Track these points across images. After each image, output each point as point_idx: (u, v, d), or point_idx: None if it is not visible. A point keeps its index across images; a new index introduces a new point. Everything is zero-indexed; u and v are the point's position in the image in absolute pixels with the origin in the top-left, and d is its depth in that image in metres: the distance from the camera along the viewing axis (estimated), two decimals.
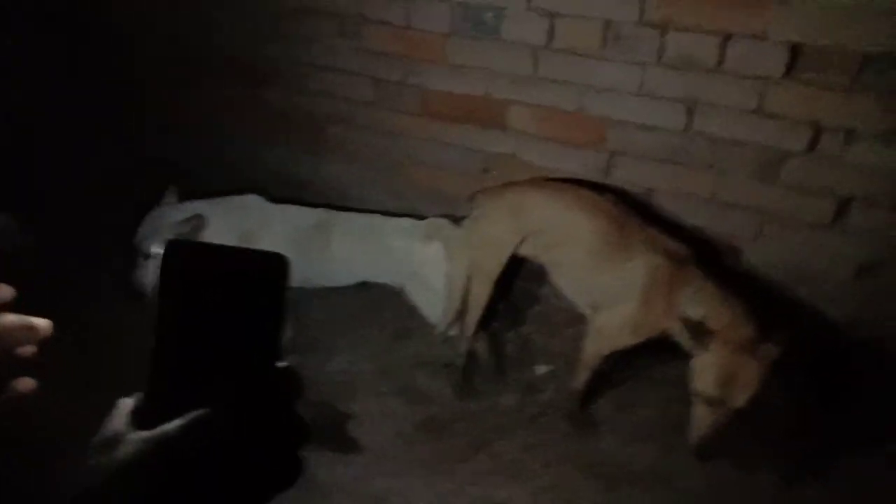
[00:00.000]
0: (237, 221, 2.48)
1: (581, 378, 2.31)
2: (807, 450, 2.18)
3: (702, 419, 1.90)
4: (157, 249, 2.42)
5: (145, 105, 3.20)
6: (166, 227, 2.41)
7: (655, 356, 2.42)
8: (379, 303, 2.83)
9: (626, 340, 2.15)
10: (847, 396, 2.26)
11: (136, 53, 3.07)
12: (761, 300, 2.06)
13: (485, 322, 2.44)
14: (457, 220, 2.48)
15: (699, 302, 1.95)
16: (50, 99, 3.11)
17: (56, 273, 2.81)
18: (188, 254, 0.56)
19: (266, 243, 2.49)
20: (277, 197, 2.65)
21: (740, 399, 1.82)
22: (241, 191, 2.62)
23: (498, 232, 2.28)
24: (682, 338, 1.96)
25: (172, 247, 0.55)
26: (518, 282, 2.63)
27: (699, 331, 1.85)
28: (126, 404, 0.55)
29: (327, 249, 2.48)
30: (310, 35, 2.65)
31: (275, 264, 0.56)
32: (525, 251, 2.29)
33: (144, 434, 0.52)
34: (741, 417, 1.87)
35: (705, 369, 1.85)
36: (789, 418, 2.19)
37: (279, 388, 0.57)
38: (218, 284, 0.55)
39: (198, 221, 2.43)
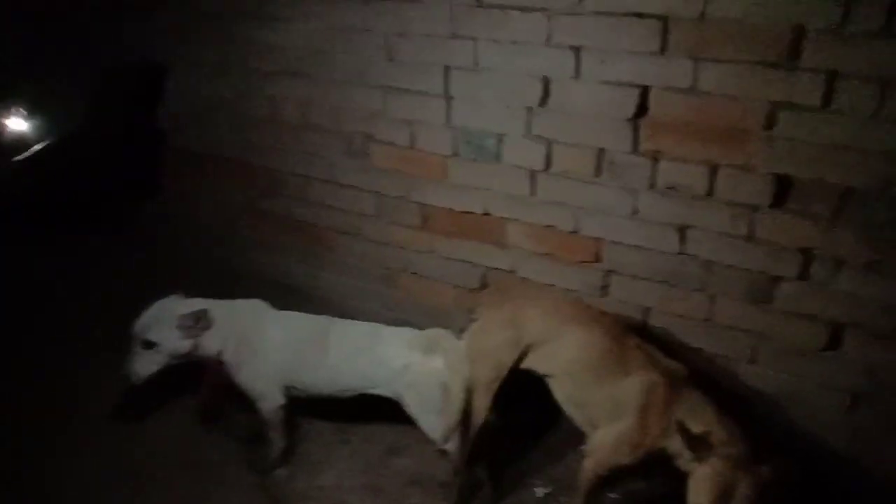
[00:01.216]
0: (238, 324, 2.50)
1: (579, 500, 2.25)
2: None
3: None
4: (157, 339, 2.42)
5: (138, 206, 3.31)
6: (169, 317, 2.42)
7: (654, 480, 2.39)
8: (373, 417, 2.80)
9: (623, 459, 2.11)
10: None
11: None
12: (756, 423, 2.06)
13: (483, 439, 2.41)
14: (458, 333, 2.50)
15: (696, 420, 1.94)
16: None
17: None
18: None
19: (264, 348, 2.50)
20: (278, 305, 2.68)
21: None
22: (245, 296, 2.65)
23: (497, 344, 2.29)
24: (683, 460, 1.94)
25: None
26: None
27: (697, 442, 1.85)
28: None
29: (325, 357, 2.48)
30: (315, 150, 2.78)
31: None
32: (525, 365, 2.30)
33: None
34: None
35: (703, 483, 1.84)
36: None
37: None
38: None
39: (203, 316, 2.44)
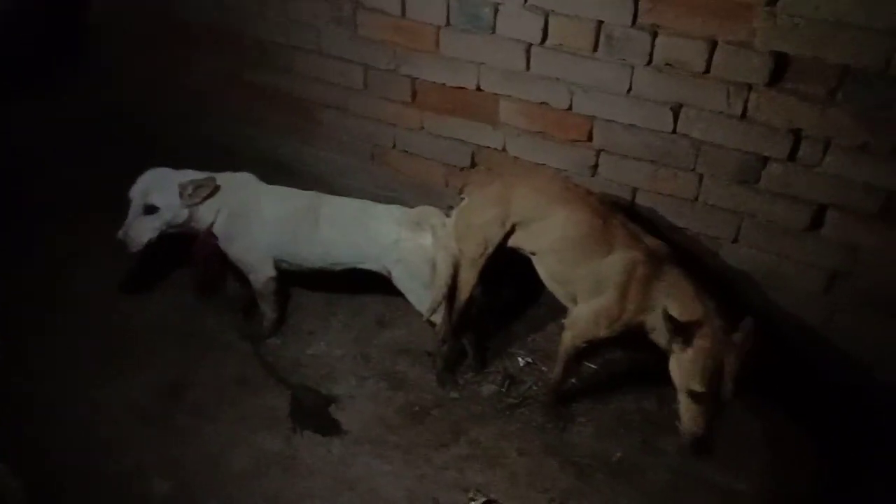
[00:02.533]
0: (229, 196, 2.50)
1: (559, 370, 2.36)
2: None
3: (693, 415, 1.94)
4: (159, 203, 2.43)
5: (123, 74, 3.19)
6: (170, 183, 2.42)
7: (631, 351, 2.51)
8: (362, 290, 2.87)
9: (601, 332, 2.20)
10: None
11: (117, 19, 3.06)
12: (735, 302, 2.14)
13: (468, 312, 2.49)
14: (446, 210, 2.51)
15: (674, 297, 2.02)
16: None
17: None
18: None
19: (256, 221, 2.51)
20: (265, 180, 2.66)
21: (727, 391, 1.88)
22: (231, 170, 2.63)
23: (485, 220, 2.32)
24: (658, 333, 2.03)
25: None
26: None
27: (681, 325, 1.91)
28: None
29: (315, 232, 2.50)
30: (302, 18, 2.66)
31: None
32: (512, 242, 2.34)
33: None
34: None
35: (691, 366, 1.90)
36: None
37: None
38: None
39: (211, 183, 2.44)
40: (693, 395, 1.92)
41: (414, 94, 2.61)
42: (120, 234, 2.42)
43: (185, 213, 2.45)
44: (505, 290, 2.78)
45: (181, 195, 2.42)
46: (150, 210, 2.42)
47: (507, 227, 2.31)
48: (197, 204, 2.45)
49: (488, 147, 2.57)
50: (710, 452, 2.06)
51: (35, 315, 2.69)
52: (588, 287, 2.19)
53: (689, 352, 1.91)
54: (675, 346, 1.94)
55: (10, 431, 2.25)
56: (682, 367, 1.94)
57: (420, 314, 2.52)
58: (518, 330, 2.74)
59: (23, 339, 2.59)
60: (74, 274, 2.86)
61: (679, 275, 2.07)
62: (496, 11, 2.28)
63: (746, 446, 2.31)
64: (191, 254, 2.60)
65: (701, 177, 2.25)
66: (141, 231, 2.43)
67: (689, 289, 2.02)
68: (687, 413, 1.96)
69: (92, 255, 2.88)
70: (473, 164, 2.63)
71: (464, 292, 2.42)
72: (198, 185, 2.43)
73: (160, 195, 2.42)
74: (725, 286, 2.31)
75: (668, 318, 1.92)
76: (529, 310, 2.79)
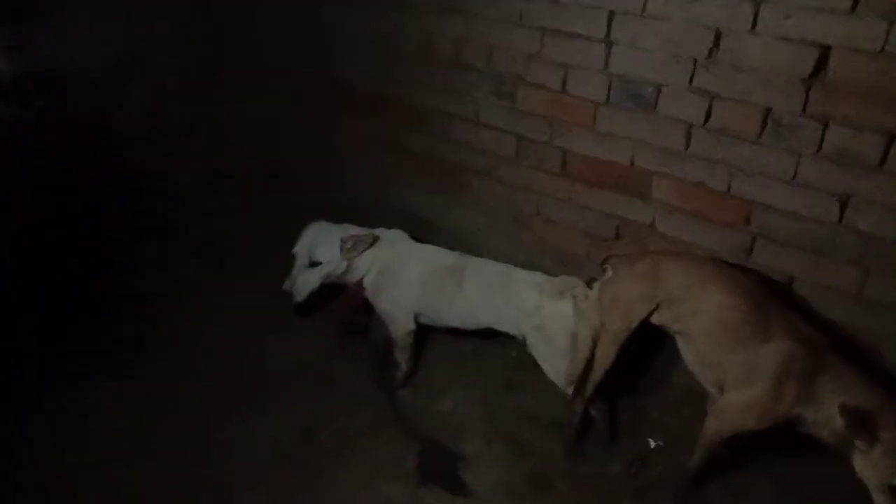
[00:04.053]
0: (382, 251, 2.63)
1: (698, 456, 2.27)
2: None
3: None
4: (322, 258, 2.59)
5: (280, 132, 3.45)
6: (333, 238, 2.59)
7: (778, 447, 2.38)
8: (493, 352, 2.90)
9: (751, 424, 2.11)
10: None
11: (283, 84, 3.33)
12: None
13: (603, 387, 2.45)
14: (588, 281, 2.53)
15: (838, 389, 1.91)
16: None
17: None
18: None
19: (403, 276, 2.62)
20: (415, 236, 2.79)
21: None
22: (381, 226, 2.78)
23: (631, 296, 2.30)
24: (822, 428, 1.93)
25: None
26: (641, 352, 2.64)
27: (862, 420, 1.80)
28: None
29: (459, 291, 2.58)
30: (464, 89, 2.81)
31: None
32: (657, 319, 2.31)
33: None
34: None
35: (888, 460, 1.79)
36: None
37: None
38: None
39: (370, 238, 2.60)
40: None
41: (564, 165, 2.67)
42: (286, 285, 2.61)
43: (344, 266, 2.61)
44: (639, 368, 2.73)
45: (342, 249, 2.57)
46: (314, 263, 2.60)
47: (654, 303, 2.28)
48: (355, 258, 2.60)
49: (636, 221, 2.57)
50: None
51: (183, 353, 2.88)
52: (740, 375, 2.12)
53: (880, 446, 1.79)
54: (860, 444, 1.82)
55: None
56: (876, 463, 1.80)
57: (550, 382, 2.52)
58: (651, 411, 2.67)
59: (168, 376, 2.76)
60: (221, 315, 3.06)
61: (842, 366, 1.97)
62: (659, 91, 2.32)
63: None
64: (339, 303, 2.74)
65: (867, 271, 2.15)
66: (306, 282, 2.62)
67: (856, 380, 1.92)
68: None
69: (237, 300, 3.08)
70: (618, 237, 2.64)
71: (601, 366, 2.39)
72: (357, 240, 2.58)
73: (324, 249, 2.60)
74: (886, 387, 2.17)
75: (848, 413, 1.81)
76: (664, 390, 2.71)
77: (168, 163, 3.34)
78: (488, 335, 2.73)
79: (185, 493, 2.32)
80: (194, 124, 3.46)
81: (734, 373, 2.15)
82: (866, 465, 1.82)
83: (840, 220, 2.14)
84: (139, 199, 3.42)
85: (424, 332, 2.83)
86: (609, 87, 2.43)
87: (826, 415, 1.90)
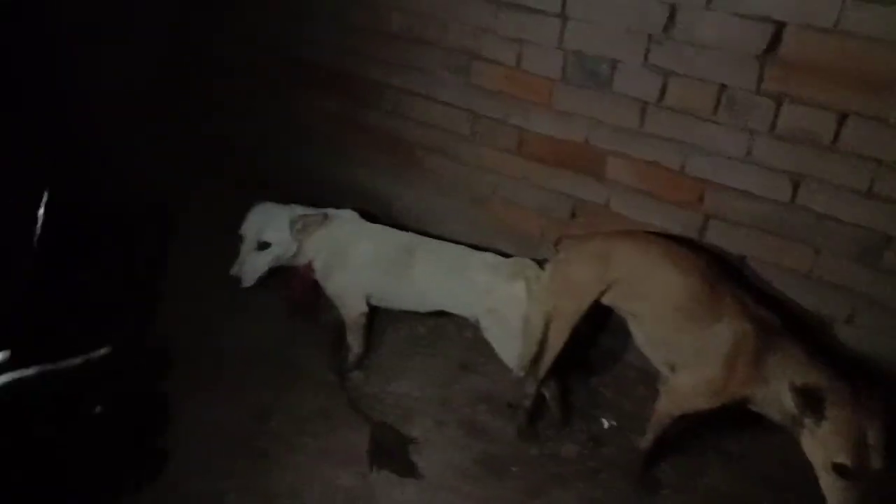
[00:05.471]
0: (332, 232, 2.55)
1: (649, 437, 2.27)
2: None
3: (842, 496, 1.78)
4: (272, 240, 2.50)
5: (235, 109, 3.34)
6: (281, 220, 2.49)
7: (726, 428, 2.39)
8: (447, 333, 2.86)
9: (702, 404, 2.11)
10: None
11: (236, 58, 3.21)
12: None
13: (556, 368, 2.43)
14: (541, 262, 2.49)
15: (788, 368, 1.91)
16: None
17: None
18: None
19: (354, 258, 2.55)
20: (367, 216, 2.72)
21: (878, 459, 1.73)
22: (332, 205, 2.70)
23: (582, 277, 2.28)
24: (771, 407, 1.93)
25: None
26: (593, 333, 2.62)
27: (811, 398, 1.80)
28: None
29: (410, 273, 2.52)
30: (417, 64, 2.73)
31: None
32: (608, 300, 2.29)
33: None
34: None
35: (833, 438, 1.77)
36: None
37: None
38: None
39: (321, 219, 2.51)
40: (840, 469, 1.76)
41: (520, 144, 2.62)
42: (234, 269, 2.51)
43: (294, 248, 2.52)
44: (592, 349, 2.72)
45: (291, 230, 2.48)
46: (263, 246, 2.50)
47: (605, 284, 2.26)
48: (305, 239, 2.51)
49: (591, 201, 2.54)
50: None
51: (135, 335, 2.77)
52: (690, 355, 2.11)
53: (826, 424, 1.78)
54: (808, 421, 1.81)
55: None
56: (822, 441, 1.79)
57: (504, 364, 2.49)
58: (604, 391, 2.66)
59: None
60: (175, 297, 2.96)
61: (791, 345, 1.97)
62: (614, 68, 2.28)
63: None
64: (288, 285, 2.66)
65: (818, 251, 2.15)
66: (254, 267, 2.52)
67: (804, 358, 1.92)
68: (835, 493, 1.79)
69: (191, 280, 2.98)
70: (573, 217, 2.61)
71: (553, 348, 2.37)
72: (307, 220, 2.49)
73: (273, 231, 2.50)
74: (839, 364, 2.18)
75: (797, 390, 1.81)
76: (617, 370, 2.71)
77: (124, 141, 3.19)
78: (443, 316, 2.69)
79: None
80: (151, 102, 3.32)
81: (685, 353, 2.15)
82: (813, 443, 1.82)
83: (792, 200, 2.14)
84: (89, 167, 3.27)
85: (378, 314, 2.77)
86: (564, 64, 2.37)
87: (776, 393, 1.90)
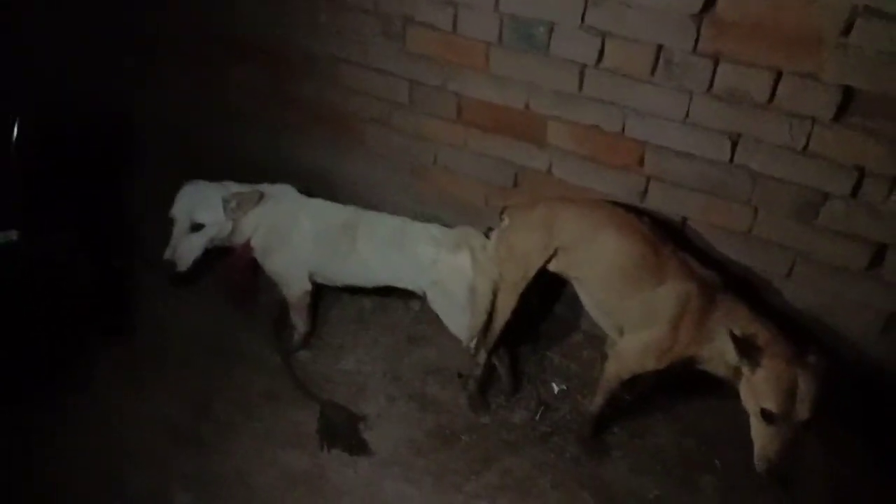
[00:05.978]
0: (269, 209, 2.46)
1: (598, 400, 2.29)
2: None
3: (767, 440, 1.83)
4: (205, 220, 2.39)
5: (166, 83, 3.17)
6: (214, 199, 2.38)
7: (673, 388, 2.43)
8: (394, 307, 2.81)
9: (650, 365, 2.13)
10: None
11: (160, 29, 3.03)
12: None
13: (504, 336, 2.42)
14: (485, 231, 2.46)
15: (731, 325, 1.94)
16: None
17: None
18: None
19: (294, 235, 2.47)
20: (304, 190, 2.63)
21: (804, 410, 1.79)
22: (270, 182, 2.60)
23: (527, 245, 2.26)
24: (716, 363, 1.97)
25: None
26: (541, 299, 2.62)
27: (748, 346, 1.84)
28: None
29: (353, 249, 2.46)
30: (349, 31, 2.62)
31: None
32: (554, 266, 2.28)
33: None
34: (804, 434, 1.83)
35: (764, 385, 1.82)
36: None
37: None
38: None
39: (255, 196, 2.41)
40: (766, 415, 1.82)
41: (459, 111, 2.56)
42: (167, 253, 2.38)
43: (229, 227, 2.41)
44: (540, 315, 2.72)
45: (225, 209, 2.38)
46: (196, 227, 2.38)
47: (550, 251, 2.25)
48: (240, 218, 2.41)
49: (533, 168, 2.51)
50: (788, 485, 1.89)
51: None
52: (637, 318, 2.12)
53: (760, 371, 1.83)
54: (745, 369, 1.86)
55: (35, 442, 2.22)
56: (754, 387, 1.85)
57: (452, 335, 2.47)
58: (553, 356, 2.67)
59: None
60: None
61: (734, 302, 2.01)
62: (551, 31, 2.23)
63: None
64: (226, 266, 2.56)
65: (756, 210, 2.18)
66: (189, 249, 2.40)
67: (747, 314, 1.96)
68: (760, 438, 1.85)
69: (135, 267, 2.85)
70: (516, 185, 2.58)
71: (501, 316, 2.36)
72: (242, 198, 2.39)
73: (205, 212, 2.38)
74: (776, 323, 2.23)
75: (735, 339, 1.85)
76: (566, 335, 2.72)
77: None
78: (389, 289, 2.64)
79: (71, 477, 2.16)
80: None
81: (632, 316, 2.16)
82: (747, 389, 1.88)
83: (731, 160, 2.14)
84: None
85: (322, 290, 2.71)
86: (501, 27, 2.30)
87: (719, 350, 1.94)
